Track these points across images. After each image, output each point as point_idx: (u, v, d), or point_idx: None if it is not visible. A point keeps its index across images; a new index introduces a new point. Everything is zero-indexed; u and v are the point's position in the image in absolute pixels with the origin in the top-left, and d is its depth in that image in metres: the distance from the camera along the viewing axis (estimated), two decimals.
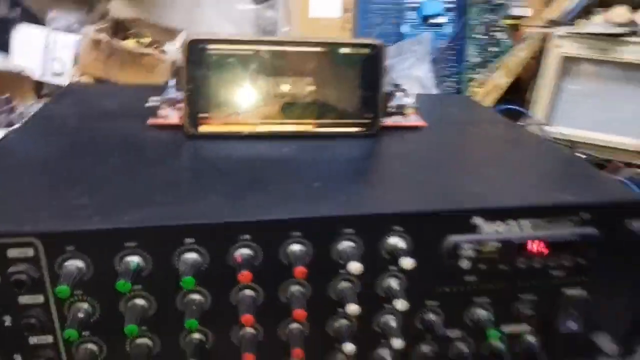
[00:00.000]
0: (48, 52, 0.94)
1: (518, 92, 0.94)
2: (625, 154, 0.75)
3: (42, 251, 0.28)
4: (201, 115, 0.44)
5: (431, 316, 0.35)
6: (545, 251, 0.35)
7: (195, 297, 0.31)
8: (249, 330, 0.33)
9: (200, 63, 0.43)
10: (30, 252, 0.28)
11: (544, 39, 0.86)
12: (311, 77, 0.46)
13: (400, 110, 0.52)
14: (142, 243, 0.29)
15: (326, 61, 0.46)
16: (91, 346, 0.31)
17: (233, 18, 1.09)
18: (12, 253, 0.28)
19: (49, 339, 0.31)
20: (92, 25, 0.95)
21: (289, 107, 0.46)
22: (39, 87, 0.94)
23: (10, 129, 0.77)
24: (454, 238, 0.33)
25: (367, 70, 0.46)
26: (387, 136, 0.48)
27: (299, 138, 0.46)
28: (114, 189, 0.34)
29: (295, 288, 0.32)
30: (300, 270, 0.30)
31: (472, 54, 1.06)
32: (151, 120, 0.47)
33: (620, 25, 0.77)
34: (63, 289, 0.28)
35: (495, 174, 0.41)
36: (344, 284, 0.33)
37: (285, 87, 0.46)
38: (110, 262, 0.29)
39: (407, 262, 0.31)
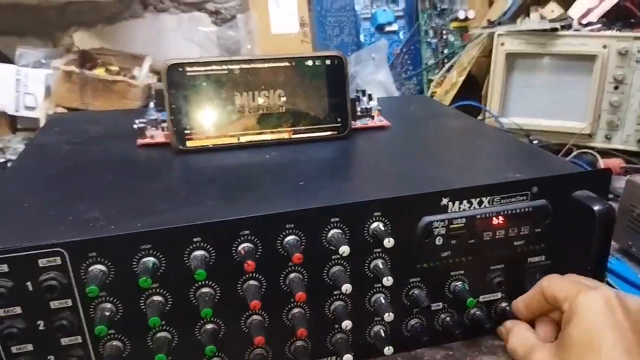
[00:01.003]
0: (20, 87, 0.96)
1: (474, 89, 1.01)
2: (573, 137, 0.82)
3: (68, 259, 0.32)
4: (186, 131, 0.49)
5: (415, 291, 0.40)
6: (505, 223, 0.40)
7: (207, 289, 0.35)
8: (257, 316, 0.37)
9: (179, 84, 0.48)
10: (58, 260, 0.32)
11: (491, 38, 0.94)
12: (282, 89, 0.50)
13: (366, 113, 0.58)
14: (155, 244, 0.33)
15: (294, 74, 0.50)
16: (116, 343, 0.35)
17: (197, 40, 1.14)
18: (42, 262, 0.32)
19: (78, 339, 0.34)
20: (61, 59, 0.98)
21: (266, 118, 0.51)
22: (13, 122, 0.96)
23: None
24: (427, 218, 0.38)
25: (332, 79, 0.51)
26: (357, 137, 0.53)
27: (277, 145, 0.50)
28: (118, 202, 0.38)
29: (293, 275, 0.37)
30: (297, 256, 0.34)
31: (427, 57, 1.13)
32: (140, 140, 0.51)
33: (553, 20, 0.85)
34: (93, 289, 0.31)
35: (457, 160, 0.46)
36: (337, 268, 0.37)
37: (259, 100, 0.50)
38: (129, 264, 0.33)
39: (389, 242, 0.36)
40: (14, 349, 0.34)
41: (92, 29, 1.11)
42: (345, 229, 0.37)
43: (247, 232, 0.35)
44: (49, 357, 0.35)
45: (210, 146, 0.49)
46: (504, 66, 0.86)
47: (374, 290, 0.40)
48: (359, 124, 0.56)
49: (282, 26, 1.10)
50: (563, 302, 0.36)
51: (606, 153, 0.82)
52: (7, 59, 1.02)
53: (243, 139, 0.50)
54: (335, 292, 0.39)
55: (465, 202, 0.39)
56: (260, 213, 0.35)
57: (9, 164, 0.81)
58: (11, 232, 0.33)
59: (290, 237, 0.36)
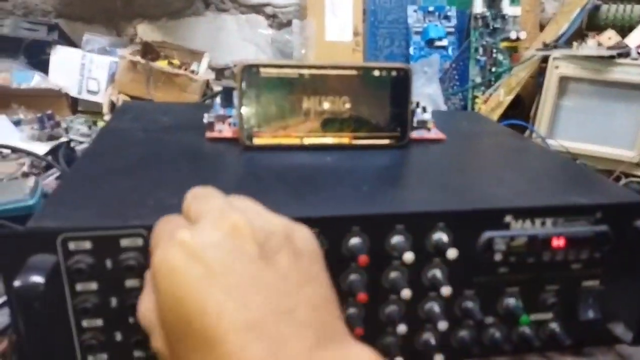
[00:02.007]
0: (84, 71, 0.99)
1: (518, 108, 1.00)
2: (620, 164, 0.81)
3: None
4: (254, 129, 0.49)
5: (469, 303, 0.39)
6: (565, 246, 0.39)
7: None
8: None
9: (253, 84, 0.49)
10: (139, 241, 0.33)
11: (543, 60, 0.93)
12: (347, 96, 0.51)
13: (422, 125, 0.58)
14: None
15: (360, 82, 0.51)
16: None
17: (254, 41, 1.15)
18: (124, 242, 0.33)
19: None
20: (125, 48, 1.00)
21: (329, 122, 0.51)
22: (74, 104, 0.99)
23: (56, 142, 0.82)
24: (488, 233, 0.38)
25: (396, 90, 0.51)
26: (414, 147, 0.53)
27: (338, 149, 0.51)
28: None
29: (354, 276, 0.37)
30: (363, 258, 0.34)
31: (474, 73, 1.12)
32: (209, 134, 0.52)
33: (610, 47, 0.83)
34: None
35: (517, 179, 0.46)
36: (396, 273, 0.37)
37: (325, 105, 0.51)
38: None
39: (452, 253, 0.36)
40: (84, 323, 0.34)
41: (155, 22, 1.14)
42: (409, 236, 0.37)
43: (317, 229, 0.35)
44: (115, 334, 0.35)
45: (276, 145, 0.50)
46: (556, 89, 0.85)
47: (429, 298, 0.39)
48: (415, 134, 0.56)
49: (336, 34, 1.11)
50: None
51: None
52: (74, 44, 1.05)
53: (306, 141, 0.51)
54: (392, 297, 0.39)
55: (528, 221, 0.38)
56: (330, 213, 0.35)
57: (72, 143, 0.83)
58: (96, 213, 0.34)
59: (356, 239, 0.36)
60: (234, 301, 0.22)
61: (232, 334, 0.21)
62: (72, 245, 0.32)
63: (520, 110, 1.01)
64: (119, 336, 0.35)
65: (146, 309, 0.27)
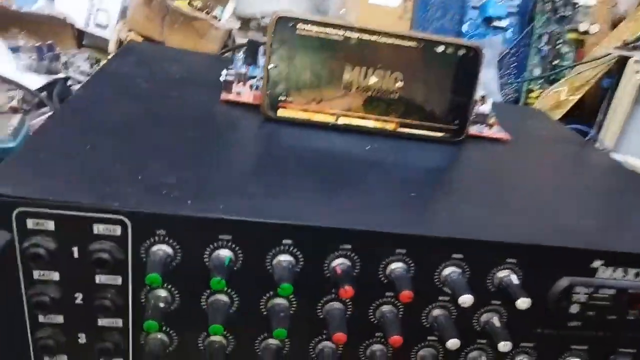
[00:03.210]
0: (93, 2, 0.91)
1: (578, 110, 0.91)
2: None
3: (130, 230, 0.26)
4: (281, 98, 0.42)
5: (524, 358, 0.33)
6: None
7: (282, 302, 0.29)
8: (330, 345, 0.31)
9: (285, 42, 0.41)
10: (117, 230, 0.26)
11: (618, 60, 0.84)
12: (401, 73, 0.43)
13: (481, 119, 0.50)
14: (237, 237, 0.27)
15: (420, 58, 0.43)
16: (162, 336, 0.29)
17: None
18: (98, 229, 0.26)
19: (118, 322, 0.29)
20: None
21: (373, 102, 0.44)
22: (79, 37, 0.92)
23: (54, 76, 0.75)
24: (568, 279, 0.30)
25: (461, 73, 0.44)
26: (471, 145, 0.45)
27: (379, 135, 0.43)
28: (198, 170, 0.32)
29: (387, 308, 0.30)
30: (406, 294, 0.27)
31: (533, 63, 1.03)
32: (224, 95, 0.44)
33: None
34: (154, 277, 0.26)
35: (605, 210, 0.38)
36: (441, 313, 0.31)
37: (371, 80, 0.43)
38: (200, 253, 0.27)
39: (523, 302, 0.28)
40: (41, 318, 0.28)
41: None
42: (467, 271, 0.30)
43: (349, 246, 0.28)
44: (78, 335, 0.29)
45: (304, 120, 0.43)
46: (633, 96, 0.76)
47: (476, 345, 0.33)
48: (473, 130, 0.48)
49: None
50: None
51: None
52: None
53: (341, 121, 0.44)
54: (429, 338, 0.32)
55: (620, 270, 0.31)
56: (368, 228, 0.28)
57: (69, 82, 0.76)
58: (66, 184, 0.28)
59: (399, 266, 0.29)
60: None
61: None
62: (30, 223, 0.26)
63: (579, 113, 0.93)
64: (83, 338, 0.29)
65: None
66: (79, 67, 0.80)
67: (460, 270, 0.29)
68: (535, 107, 0.94)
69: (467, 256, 0.29)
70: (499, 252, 0.30)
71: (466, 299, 0.28)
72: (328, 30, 0.42)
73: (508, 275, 0.30)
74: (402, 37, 0.43)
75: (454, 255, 0.29)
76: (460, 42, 0.44)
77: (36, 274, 0.27)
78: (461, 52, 0.44)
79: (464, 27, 1.05)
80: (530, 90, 1.03)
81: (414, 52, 0.43)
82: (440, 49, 0.43)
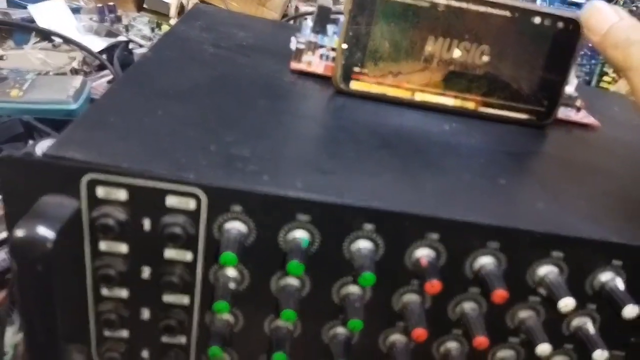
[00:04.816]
0: None
1: None
2: None
3: (205, 206, 0.25)
4: (355, 69, 0.40)
5: None
6: None
7: (356, 290, 0.27)
8: (402, 339, 0.29)
9: (365, 9, 0.38)
10: (192, 204, 0.25)
11: None
12: (488, 46, 0.40)
13: (568, 102, 0.46)
14: (315, 218, 0.25)
15: (512, 30, 0.40)
16: (228, 317, 0.28)
17: None
18: (171, 201, 0.25)
19: (184, 300, 0.28)
20: None
21: (454, 77, 0.40)
22: (141, 0, 0.92)
23: (115, 39, 0.75)
24: None
25: (557, 48, 0.40)
26: (557, 131, 0.42)
27: (458, 115, 0.40)
28: (271, 142, 0.30)
29: (469, 306, 0.28)
30: (500, 294, 0.25)
31: None
32: (294, 64, 0.42)
33: None
34: (229, 256, 0.24)
35: None
36: (531, 315, 0.28)
37: (455, 53, 0.40)
38: (275, 233, 0.26)
39: (630, 311, 0.26)
40: (105, 291, 0.27)
41: None
42: (566, 269, 0.27)
43: (436, 236, 0.26)
44: (141, 309, 0.28)
45: (378, 95, 0.40)
46: None
47: (562, 350, 0.30)
48: (559, 113, 0.44)
49: None
50: None
51: None
52: None
53: (418, 97, 0.41)
54: (511, 340, 0.30)
55: None
56: (460, 217, 0.26)
57: (130, 45, 0.76)
58: (141, 152, 0.26)
59: (489, 261, 0.26)
60: None
61: None
62: (101, 192, 0.25)
63: None
64: (146, 314, 0.28)
65: None
66: (140, 30, 0.80)
67: (558, 270, 0.27)
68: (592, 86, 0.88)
69: (568, 255, 0.26)
70: (600, 251, 0.27)
71: (567, 303, 0.25)
72: None
73: (611, 278, 0.27)
74: (495, 4, 0.39)
75: (554, 253, 0.26)
76: (559, 13, 0.40)
77: (103, 246, 0.26)
78: (560, 24, 0.40)
79: (538, 1, 0.99)
80: (605, 73, 0.96)
81: (507, 22, 0.39)
82: (537, 20, 0.40)
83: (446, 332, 0.29)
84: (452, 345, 0.30)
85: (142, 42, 0.76)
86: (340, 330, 0.29)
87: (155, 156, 0.26)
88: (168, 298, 0.28)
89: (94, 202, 0.25)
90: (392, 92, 0.40)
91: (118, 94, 0.33)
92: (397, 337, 0.29)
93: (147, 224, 0.25)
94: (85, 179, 0.24)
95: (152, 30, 0.79)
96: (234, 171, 0.26)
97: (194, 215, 0.25)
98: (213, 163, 0.26)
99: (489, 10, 0.39)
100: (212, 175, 0.25)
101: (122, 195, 0.25)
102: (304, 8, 0.85)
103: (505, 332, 0.29)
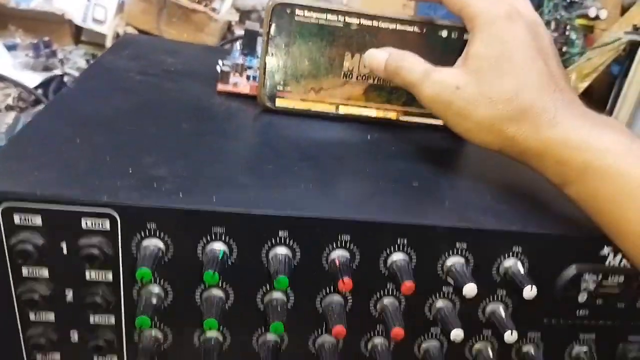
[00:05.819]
0: None
1: (587, 97, 0.90)
2: None
3: (119, 225, 0.26)
4: (279, 87, 0.41)
5: (531, 349, 0.32)
6: None
7: (279, 296, 0.29)
8: (330, 339, 0.30)
9: (283, 30, 0.40)
10: (106, 224, 0.26)
11: (628, 45, 0.83)
12: None
13: None
14: (230, 230, 0.27)
15: (422, 43, 0.42)
16: (156, 333, 0.29)
17: None
18: (87, 223, 0.26)
19: (111, 319, 0.28)
20: None
21: (375, 90, 0.43)
22: (77, 33, 0.92)
23: (50, 73, 0.75)
24: (577, 267, 0.30)
25: None
26: None
27: (380, 125, 0.43)
28: (191, 162, 0.31)
29: (388, 300, 0.30)
30: (408, 286, 0.27)
31: None
32: (221, 86, 0.44)
33: None
34: (145, 271, 0.25)
35: None
36: (445, 304, 0.30)
37: None
38: (193, 247, 0.27)
39: (530, 290, 0.28)
40: (32, 316, 0.28)
41: None
42: (470, 260, 0.29)
43: (348, 237, 0.28)
44: (71, 331, 0.29)
45: (303, 110, 0.42)
46: None
47: (482, 337, 0.32)
48: None
49: None
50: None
51: None
52: None
53: (342, 110, 0.43)
54: (432, 331, 0.31)
55: None
56: (368, 218, 0.28)
57: (65, 78, 0.76)
58: (55, 178, 0.27)
59: (400, 257, 0.28)
60: None
61: None
62: (17, 219, 0.25)
63: (587, 100, 0.92)
64: (75, 336, 0.29)
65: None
66: (75, 63, 0.80)
67: (464, 260, 0.29)
68: None
69: (471, 245, 0.28)
70: (502, 240, 0.29)
71: (470, 289, 0.27)
72: (328, 16, 0.41)
73: (513, 264, 0.29)
74: (404, 21, 0.42)
75: (458, 245, 0.28)
76: (464, 26, 0.43)
77: (25, 271, 0.27)
78: (467, 36, 0.42)
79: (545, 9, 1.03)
80: None
81: (417, 37, 0.42)
82: (444, 33, 0.42)
83: (370, 329, 0.31)
84: (378, 341, 0.31)
85: (78, 74, 0.76)
86: (269, 336, 0.30)
87: (69, 182, 0.27)
88: (94, 319, 0.28)
89: (12, 229, 0.25)
90: (316, 107, 0.42)
91: (39, 125, 0.33)
92: (324, 338, 0.31)
93: (65, 247, 0.26)
94: (1, 208, 0.25)
95: (88, 62, 0.80)
96: (149, 191, 0.27)
97: (110, 235, 0.26)
98: (129, 184, 0.27)
99: (399, 27, 0.41)
100: (125, 195, 0.26)
101: (37, 220, 0.25)
102: (239, 32, 0.87)
103: (427, 324, 0.31)
